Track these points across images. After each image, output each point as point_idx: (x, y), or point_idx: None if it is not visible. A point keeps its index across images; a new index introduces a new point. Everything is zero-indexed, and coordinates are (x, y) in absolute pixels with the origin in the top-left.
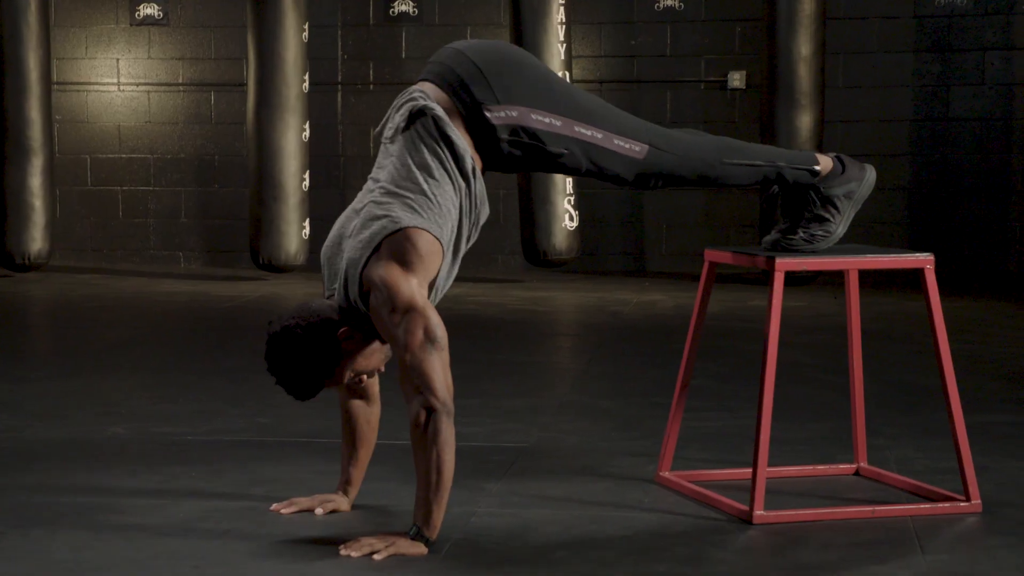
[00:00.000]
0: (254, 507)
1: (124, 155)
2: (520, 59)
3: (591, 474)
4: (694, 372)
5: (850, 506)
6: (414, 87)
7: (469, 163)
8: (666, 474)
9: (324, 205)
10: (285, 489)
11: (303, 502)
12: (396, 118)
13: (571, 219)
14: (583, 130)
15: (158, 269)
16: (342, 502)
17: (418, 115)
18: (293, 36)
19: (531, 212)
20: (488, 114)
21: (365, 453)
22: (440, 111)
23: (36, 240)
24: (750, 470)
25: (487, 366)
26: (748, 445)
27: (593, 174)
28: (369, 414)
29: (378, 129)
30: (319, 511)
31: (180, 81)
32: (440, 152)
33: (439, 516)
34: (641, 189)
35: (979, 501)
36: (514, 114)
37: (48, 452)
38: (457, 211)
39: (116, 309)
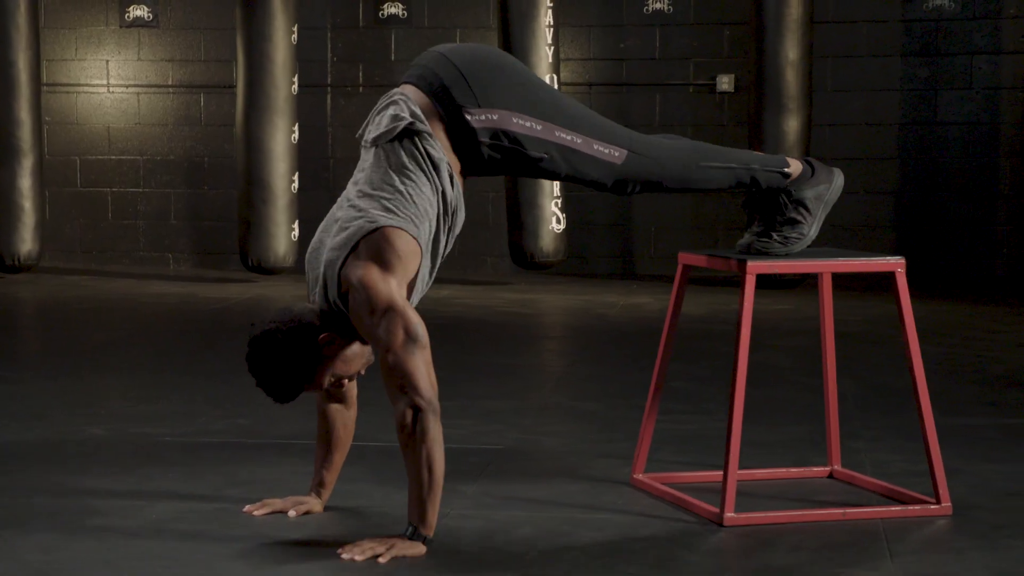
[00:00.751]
0: (228, 508)
1: (114, 156)
2: (502, 63)
3: (567, 476)
4: (675, 375)
5: (821, 508)
6: (396, 90)
7: (446, 169)
8: (640, 476)
9: (313, 207)
10: (261, 491)
11: (276, 504)
12: (377, 122)
13: (558, 222)
14: (563, 135)
15: (147, 271)
16: (315, 504)
17: (404, 134)
18: (282, 38)
19: (518, 215)
20: (468, 117)
21: (339, 456)
22: (423, 123)
23: (26, 241)
24: (718, 472)
25: (471, 368)
26: (723, 448)
27: (572, 179)
28: (346, 418)
29: (360, 132)
30: (292, 513)
31: (170, 83)
32: (417, 154)
33: (434, 514)
34: (619, 194)
35: (949, 504)
36: (495, 117)
37: (24, 452)
38: (435, 211)
39: (105, 311)
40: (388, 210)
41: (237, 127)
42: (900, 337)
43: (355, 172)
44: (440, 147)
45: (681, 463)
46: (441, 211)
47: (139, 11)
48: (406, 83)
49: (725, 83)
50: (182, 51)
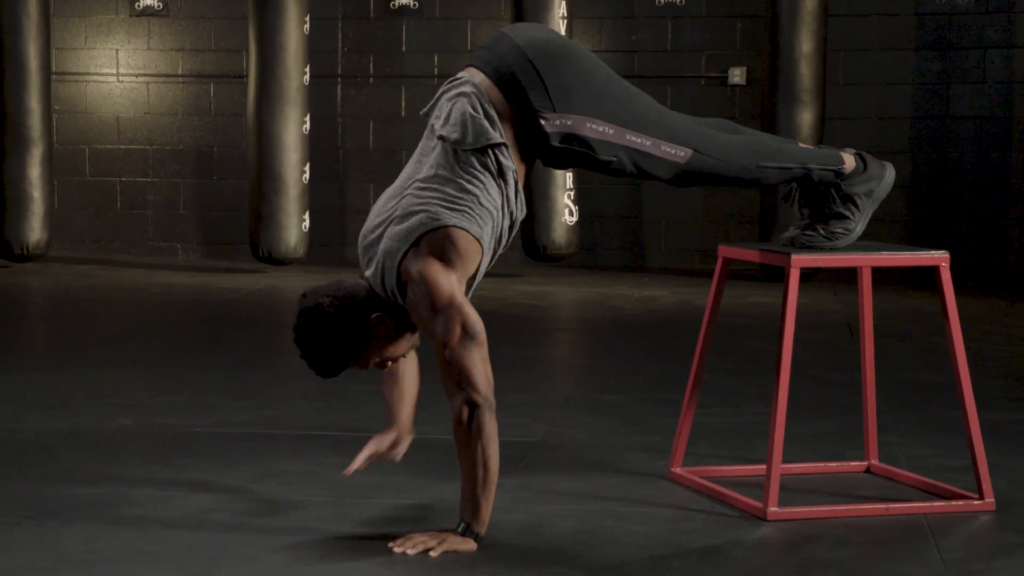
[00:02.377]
0: (266, 500)
1: (123, 146)
2: (576, 59)
3: (602, 469)
4: (693, 368)
5: (863, 503)
6: (464, 75)
7: (512, 178)
8: (678, 470)
9: (323, 198)
10: (296, 481)
11: (369, 448)
12: (447, 112)
13: (571, 214)
14: (634, 138)
15: (156, 260)
16: (404, 436)
17: (487, 148)
18: (294, 28)
19: (531, 207)
20: (543, 122)
21: (410, 395)
22: (501, 135)
23: (35, 230)
24: (761, 466)
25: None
26: (755, 441)
27: (634, 176)
28: (408, 365)
29: (425, 110)
30: (396, 454)
31: (179, 72)
32: (488, 160)
33: (487, 511)
34: (677, 187)
35: (992, 499)
36: (569, 123)
37: (55, 443)
38: (498, 215)
39: (115, 301)
40: (454, 209)
41: (248, 117)
42: (916, 331)
43: (417, 154)
44: (510, 155)
45: (714, 456)
46: (503, 216)
47: (149, 0)
48: (476, 68)
49: (737, 76)
50: (192, 40)
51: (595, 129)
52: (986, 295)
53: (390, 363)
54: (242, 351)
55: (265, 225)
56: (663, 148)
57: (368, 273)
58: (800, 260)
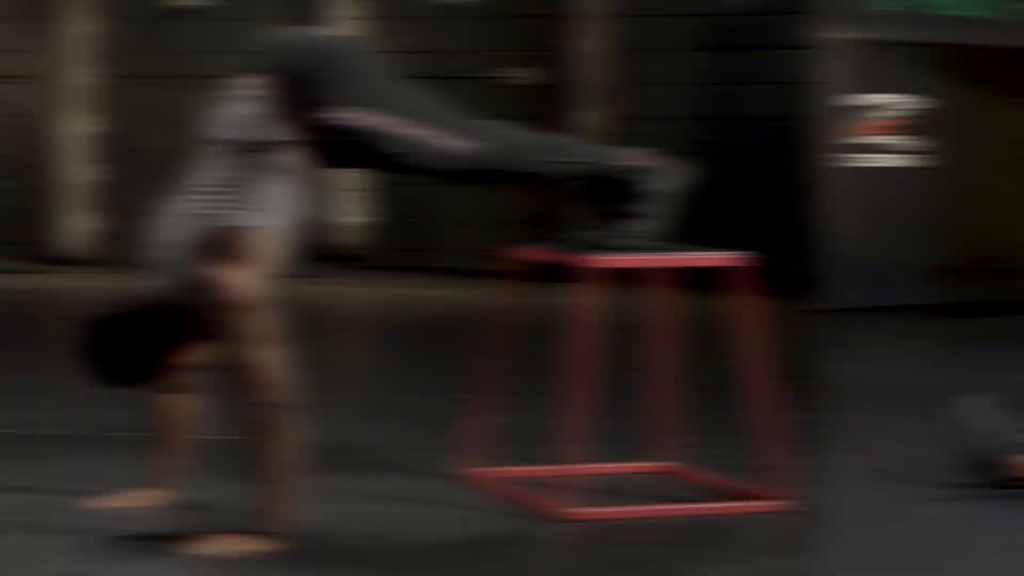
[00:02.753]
0: (56, 502)
1: None
2: (355, 56)
3: (396, 471)
4: (484, 368)
5: (664, 504)
6: (246, 80)
7: (298, 175)
8: (472, 471)
9: (110, 198)
10: (90, 484)
11: (122, 499)
12: (233, 116)
13: (353, 215)
14: (417, 130)
15: None
16: (160, 498)
17: (260, 145)
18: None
19: (313, 208)
20: (327, 116)
21: (183, 444)
22: (279, 127)
23: None
24: (555, 467)
25: None
26: (551, 442)
27: (419, 172)
28: (187, 402)
29: (209, 123)
30: (140, 505)
31: None
32: (271, 155)
33: (281, 511)
34: (462, 185)
35: (792, 499)
36: (353, 115)
37: None
38: (287, 212)
39: None
40: (244, 209)
41: (34, 119)
42: (718, 333)
43: (202, 158)
44: (295, 153)
45: (509, 457)
46: (291, 216)
47: None
48: (254, 71)
49: (522, 77)
50: None
51: (379, 121)
52: (781, 297)
53: (187, 373)
54: (23, 352)
55: (45, 224)
56: (447, 140)
57: (161, 280)
58: (595, 261)
